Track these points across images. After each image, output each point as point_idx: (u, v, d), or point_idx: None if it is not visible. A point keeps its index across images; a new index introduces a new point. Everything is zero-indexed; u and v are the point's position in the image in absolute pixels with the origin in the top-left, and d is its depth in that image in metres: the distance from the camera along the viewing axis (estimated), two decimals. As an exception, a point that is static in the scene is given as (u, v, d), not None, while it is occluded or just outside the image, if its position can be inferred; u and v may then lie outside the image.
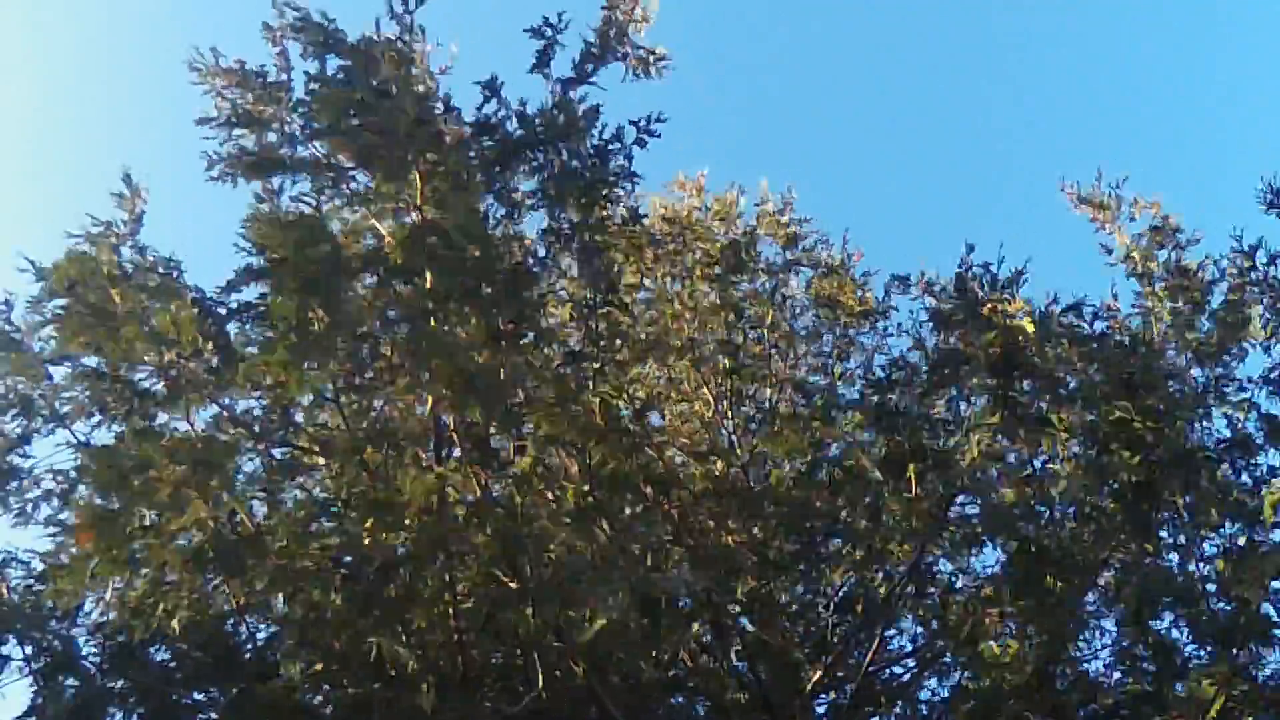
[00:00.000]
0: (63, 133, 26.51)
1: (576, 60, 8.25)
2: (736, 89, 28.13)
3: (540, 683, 8.93)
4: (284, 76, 7.81)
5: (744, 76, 29.10)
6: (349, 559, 8.65)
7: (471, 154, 7.95)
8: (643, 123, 8.36)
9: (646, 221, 10.30)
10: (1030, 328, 8.97)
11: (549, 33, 8.05)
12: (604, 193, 8.30)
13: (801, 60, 29.35)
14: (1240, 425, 9.43)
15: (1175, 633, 9.63)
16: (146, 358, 7.76)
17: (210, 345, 7.67)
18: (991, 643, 9.59)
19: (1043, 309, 9.37)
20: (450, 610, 8.73)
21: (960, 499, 9.84)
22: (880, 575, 10.58)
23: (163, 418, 8.64)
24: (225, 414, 8.76)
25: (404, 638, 8.59)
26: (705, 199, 11.85)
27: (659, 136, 8.44)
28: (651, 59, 8.37)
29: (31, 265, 7.93)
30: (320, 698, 9.03)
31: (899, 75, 29.67)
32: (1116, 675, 9.90)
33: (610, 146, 8.29)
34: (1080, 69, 28.67)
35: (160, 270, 7.79)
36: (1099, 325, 9.82)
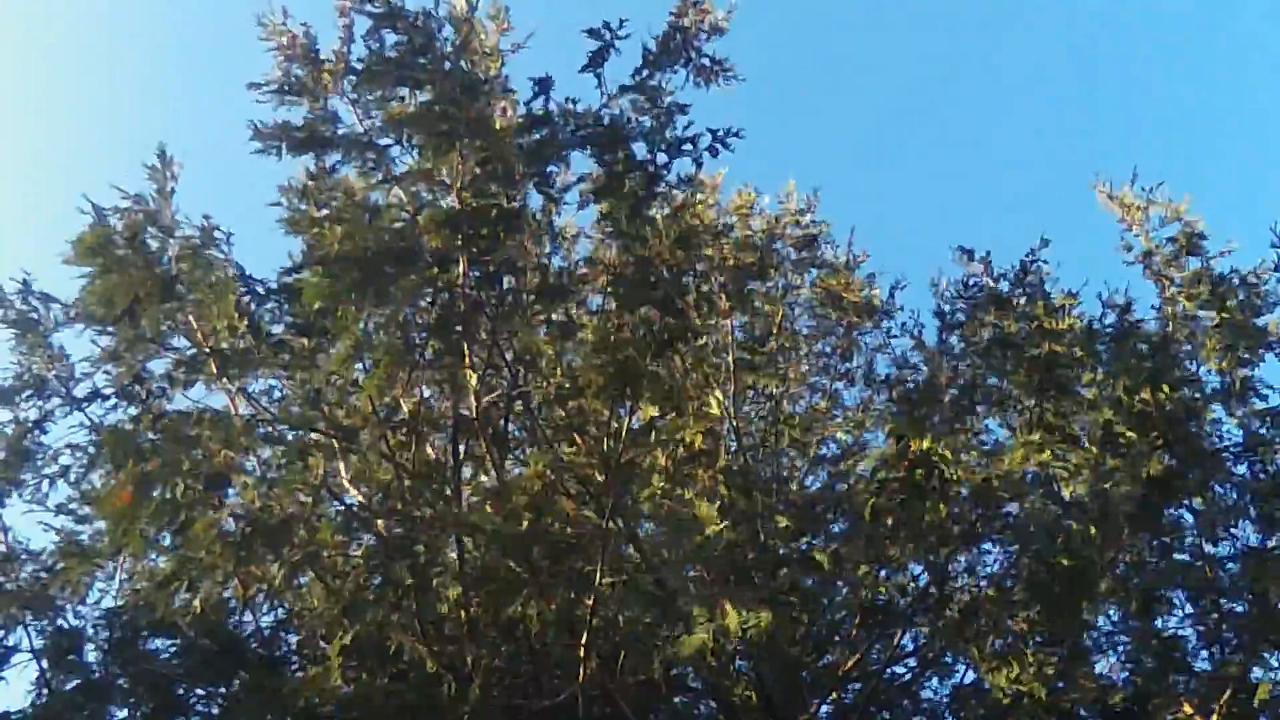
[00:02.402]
0: (92, 109, 26.14)
1: (639, 65, 8.15)
2: (752, 84, 28.03)
3: (551, 682, 8.88)
4: (344, 50, 7.66)
5: (762, 72, 29.12)
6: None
7: (520, 143, 7.83)
8: (720, 132, 8.24)
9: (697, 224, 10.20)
10: (1080, 352, 9.02)
11: (607, 35, 7.94)
12: (662, 192, 8.22)
13: (817, 57, 29.57)
14: (1256, 428, 9.57)
15: (1184, 631, 9.82)
16: (192, 322, 7.56)
17: (245, 323, 7.51)
18: (1002, 644, 9.64)
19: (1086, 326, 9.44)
20: (464, 603, 8.62)
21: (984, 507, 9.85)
22: (891, 578, 10.59)
23: (179, 400, 8.52)
24: (242, 394, 8.64)
25: (422, 632, 8.50)
26: (720, 198, 11.85)
27: (732, 151, 8.34)
28: (715, 68, 8.30)
29: (94, 207, 7.67)
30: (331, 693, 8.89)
31: (905, 75, 30.02)
32: (1125, 673, 10.03)
33: (684, 147, 8.19)
34: (1095, 66, 29.12)
35: (208, 240, 7.58)
36: (1113, 323, 9.93)
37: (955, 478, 8.96)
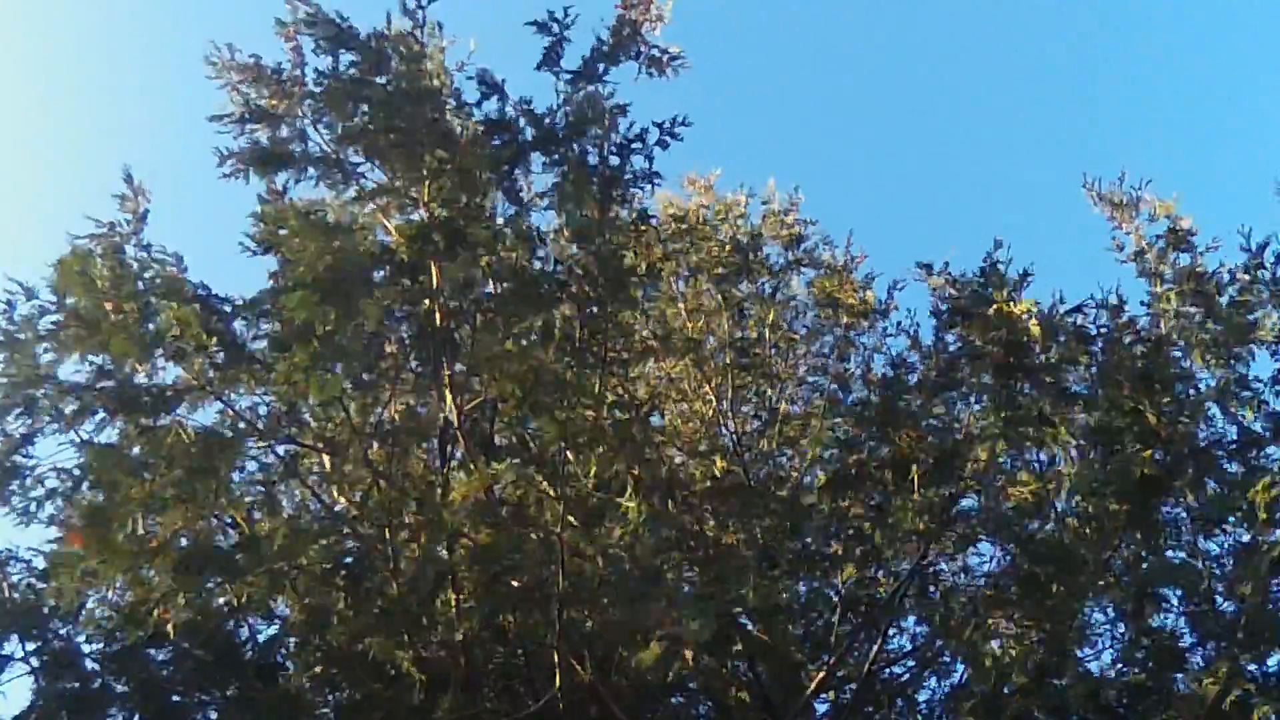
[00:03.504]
0: (68, 132, 26.51)
1: (587, 57, 8.18)
2: (744, 87, 28.08)
3: (544, 684, 8.94)
4: (297, 72, 7.78)
5: (752, 74, 29.09)
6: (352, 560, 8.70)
7: (483, 151, 7.90)
8: (666, 124, 8.32)
9: (656, 220, 10.25)
10: (1036, 330, 8.96)
11: (556, 28, 7.98)
12: (620, 192, 8.26)
13: (809, 58, 29.42)
14: (1247, 425, 9.45)
15: (1177, 628, 9.71)
16: (141, 365, 7.70)
17: (215, 341, 7.62)
18: (994, 643, 9.61)
19: (1047, 310, 9.36)
20: (454, 611, 8.70)
21: (964, 500, 9.82)
22: (883, 575, 10.58)
23: (165, 418, 8.66)
24: (229, 411, 8.78)
25: (406, 638, 8.59)
26: (713, 198, 11.88)
27: (681, 140, 8.42)
28: (666, 58, 8.33)
29: (20, 286, 7.95)
30: (321, 698, 9.02)
31: (905, 74, 29.82)
32: (1118, 669, 9.93)
33: (633, 146, 8.23)
34: (1089, 67, 28.79)
35: (165, 267, 7.72)
36: (1106, 323, 9.84)
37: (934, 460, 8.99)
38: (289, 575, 7.91)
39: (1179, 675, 9.42)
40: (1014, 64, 29.69)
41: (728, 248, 11.22)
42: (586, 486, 8.02)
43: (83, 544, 6.96)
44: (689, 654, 7.58)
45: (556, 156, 8.10)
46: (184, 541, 7.51)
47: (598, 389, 8.21)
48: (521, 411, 7.82)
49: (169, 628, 7.74)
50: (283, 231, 7.56)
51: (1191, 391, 9.72)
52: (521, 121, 8.08)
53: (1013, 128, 29.74)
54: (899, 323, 11.71)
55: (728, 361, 11.61)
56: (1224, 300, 9.75)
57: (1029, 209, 28.54)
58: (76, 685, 8.68)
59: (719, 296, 11.24)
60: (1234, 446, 9.74)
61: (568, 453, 8.07)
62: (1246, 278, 9.73)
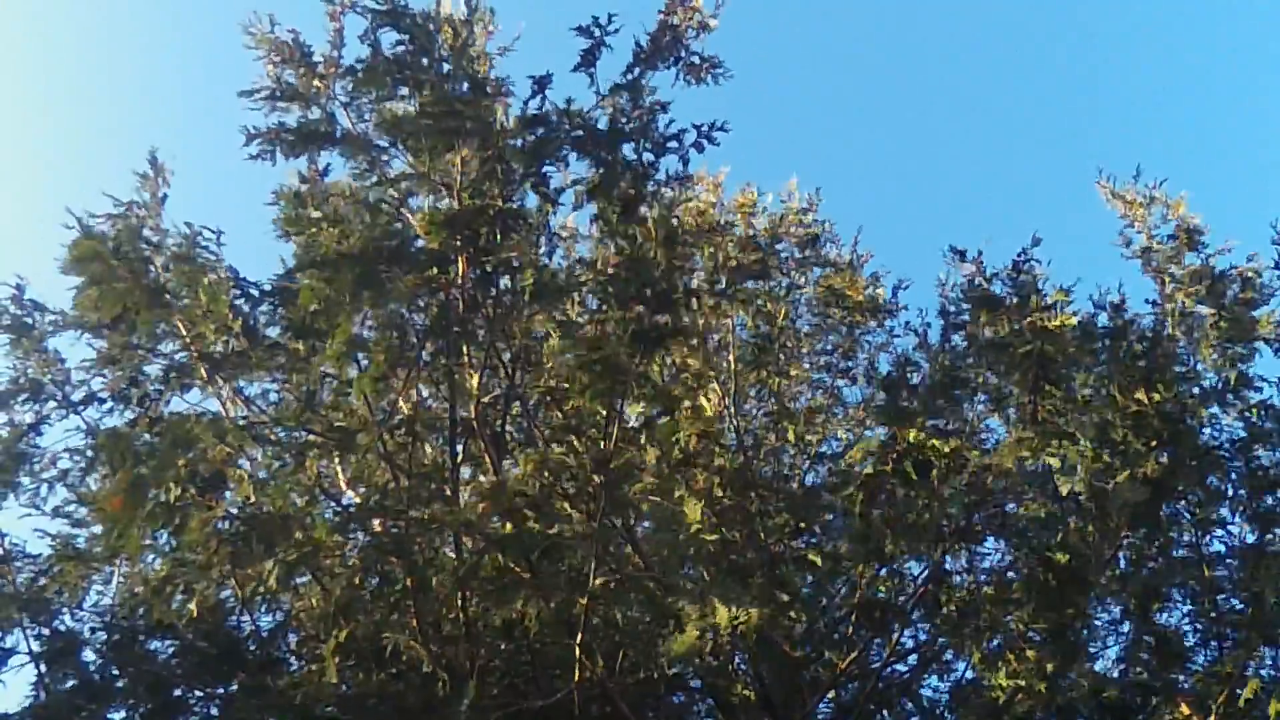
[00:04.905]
0: (85, 114, 26.19)
1: (629, 63, 8.13)
2: (751, 83, 28.07)
3: (547, 681, 8.88)
4: (335, 53, 7.66)
5: (759, 71, 29.12)
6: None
7: (519, 143, 7.82)
8: (705, 127, 8.29)
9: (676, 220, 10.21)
10: (1071, 322, 8.99)
11: (596, 32, 7.93)
12: (653, 190, 8.21)
13: (815, 55, 29.52)
14: (1255, 424, 9.54)
15: (1182, 628, 9.80)
16: (180, 328, 7.54)
17: (239, 325, 7.49)
18: (999, 643, 9.64)
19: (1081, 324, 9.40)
20: (461, 603, 8.61)
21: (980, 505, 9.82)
22: (889, 574, 10.57)
23: (176, 403, 8.53)
24: (238, 397, 8.66)
25: (420, 633, 8.50)
26: (723, 196, 11.88)
27: (718, 144, 8.39)
28: (705, 66, 8.29)
29: (78, 221, 7.65)
30: (329, 692, 8.89)
31: (910, 72, 30.00)
32: (1122, 668, 10.01)
33: (669, 145, 8.19)
34: (1099, 66, 29.05)
35: (199, 242, 7.58)
36: (1109, 322, 9.90)
37: (945, 469, 8.96)
38: (314, 562, 7.76)
39: (1182, 676, 9.53)
40: (1020, 63, 29.96)
41: (746, 245, 11.17)
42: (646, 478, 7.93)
43: (121, 507, 6.79)
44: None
45: (593, 155, 8.02)
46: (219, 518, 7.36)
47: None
48: (584, 400, 7.69)
49: (191, 604, 7.58)
50: (310, 211, 7.44)
51: (1196, 391, 9.79)
52: (557, 118, 8.00)
53: (1018, 126, 30.01)
54: (907, 322, 11.82)
55: (734, 359, 11.59)
56: (1231, 298, 9.81)
57: (1029, 208, 28.82)
58: (78, 679, 8.55)
59: (736, 293, 11.19)
60: (1237, 446, 9.83)
61: (612, 445, 7.94)
62: (1265, 274, 9.79)
